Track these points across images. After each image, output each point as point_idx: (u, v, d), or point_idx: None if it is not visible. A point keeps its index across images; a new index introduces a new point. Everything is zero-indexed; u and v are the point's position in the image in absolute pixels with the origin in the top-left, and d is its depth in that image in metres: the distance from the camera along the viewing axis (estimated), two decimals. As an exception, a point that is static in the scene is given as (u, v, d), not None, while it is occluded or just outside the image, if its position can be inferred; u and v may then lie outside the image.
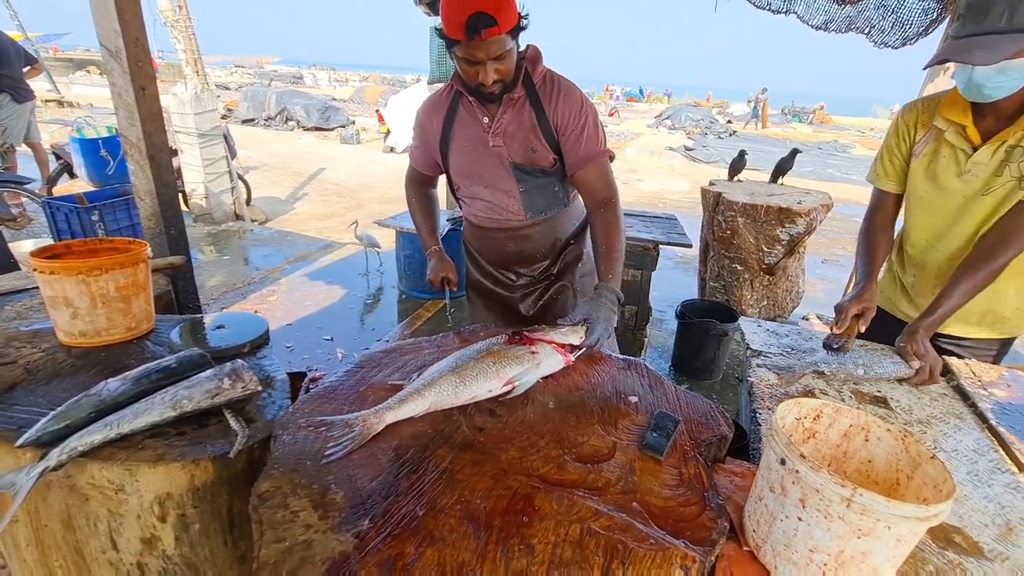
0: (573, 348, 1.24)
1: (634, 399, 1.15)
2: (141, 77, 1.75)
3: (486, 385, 1.08)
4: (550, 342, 1.21)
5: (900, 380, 1.39)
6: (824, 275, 5.41)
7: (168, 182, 1.92)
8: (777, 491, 0.77)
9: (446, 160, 1.60)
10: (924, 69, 1.38)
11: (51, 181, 4.97)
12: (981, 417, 1.27)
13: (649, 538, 0.80)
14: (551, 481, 0.91)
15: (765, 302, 3.76)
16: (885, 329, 1.55)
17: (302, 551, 0.75)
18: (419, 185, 1.75)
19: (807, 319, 4.04)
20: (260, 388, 1.09)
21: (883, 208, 1.63)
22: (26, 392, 1.10)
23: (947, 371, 1.46)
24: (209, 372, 1.07)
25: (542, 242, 1.66)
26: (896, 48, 3.04)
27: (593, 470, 0.94)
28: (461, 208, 1.74)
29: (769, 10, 3.20)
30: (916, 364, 1.36)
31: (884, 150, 1.59)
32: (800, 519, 0.74)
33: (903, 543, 0.70)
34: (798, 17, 3.10)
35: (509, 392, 1.11)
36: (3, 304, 1.57)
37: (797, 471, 0.72)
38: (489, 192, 1.59)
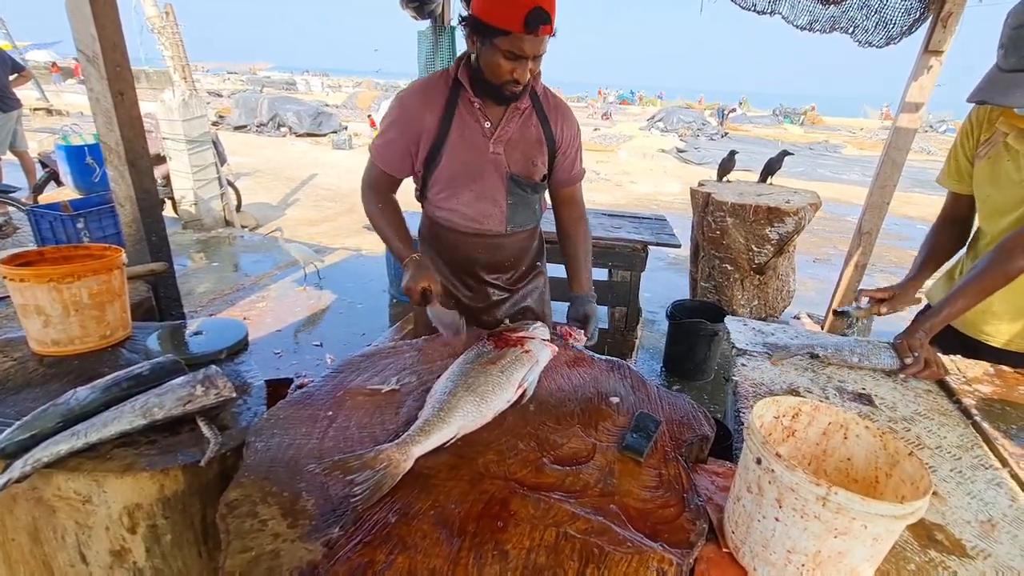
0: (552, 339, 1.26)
1: (616, 400, 1.14)
2: (119, 82, 1.73)
3: (504, 396, 1.05)
4: (531, 337, 1.20)
5: (894, 372, 1.38)
6: (815, 274, 5.43)
7: (148, 188, 1.90)
8: (754, 491, 0.76)
9: (432, 161, 1.45)
10: (967, 101, 1.32)
11: (37, 189, 4.92)
12: (965, 413, 1.26)
13: (626, 541, 0.78)
14: (528, 484, 0.89)
15: (756, 301, 3.76)
16: (955, 345, 1.51)
17: (269, 561, 0.73)
18: (383, 191, 1.52)
19: (799, 318, 4.04)
20: (235, 395, 1.07)
21: (949, 208, 1.61)
22: (-6, 402, 1.08)
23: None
24: (181, 379, 1.05)
25: (511, 252, 1.65)
26: (880, 47, 3.05)
27: (572, 473, 0.92)
28: (427, 210, 1.63)
29: (754, 11, 3.21)
30: (910, 359, 1.37)
31: (952, 149, 1.55)
32: (777, 519, 0.73)
33: (880, 542, 0.69)
34: (783, 18, 3.11)
35: (522, 397, 1.10)
36: (-22, 313, 1.54)
37: (773, 470, 0.71)
38: (473, 198, 1.50)
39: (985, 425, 1.20)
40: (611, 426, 1.06)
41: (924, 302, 1.65)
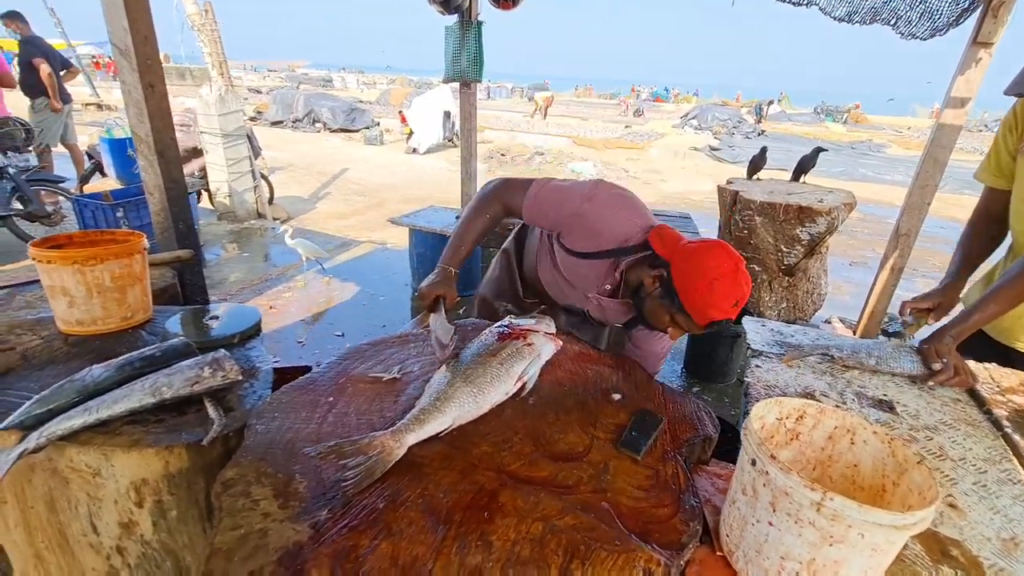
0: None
1: (617, 397, 1.12)
2: (150, 75, 1.79)
3: (502, 388, 1.05)
4: (535, 330, 1.19)
5: (916, 377, 1.33)
6: (851, 278, 5.22)
7: (177, 178, 1.97)
8: (749, 493, 0.73)
9: (557, 244, 1.46)
10: (1004, 94, 1.26)
11: (83, 180, 5.18)
12: (996, 425, 1.19)
13: (614, 539, 0.76)
14: (520, 477, 0.88)
15: (784, 304, 3.64)
16: (990, 354, 1.45)
17: (257, 539, 0.74)
18: (500, 213, 1.45)
19: (830, 322, 3.89)
20: (241, 378, 1.10)
21: (985, 204, 1.56)
22: (20, 377, 1.13)
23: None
24: (191, 361, 1.08)
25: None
26: (925, 39, 2.90)
27: (565, 468, 0.91)
28: (540, 242, 1.62)
29: (790, 2, 3.10)
30: (938, 366, 1.30)
31: (993, 144, 1.49)
32: (771, 524, 0.70)
33: (880, 553, 0.65)
34: (819, 8, 2.99)
35: (522, 390, 1.09)
36: (16, 293, 1.63)
37: (767, 472, 0.68)
38: (552, 281, 1.56)
39: (1016, 437, 1.13)
40: (611, 423, 1.04)
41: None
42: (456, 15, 3.74)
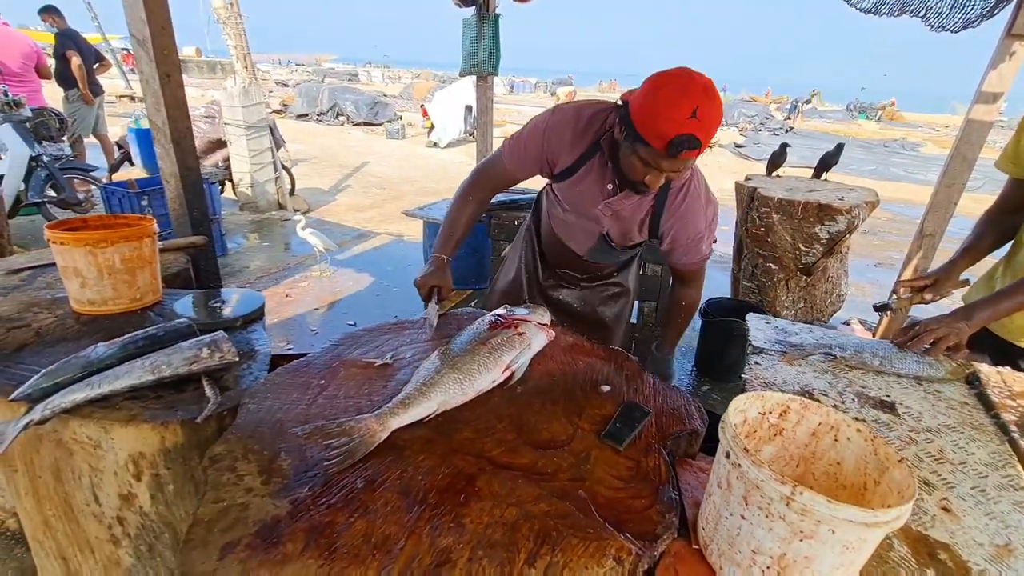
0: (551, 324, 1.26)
1: (606, 388, 1.11)
2: (166, 65, 1.84)
3: (488, 377, 1.05)
4: (527, 320, 1.19)
5: (920, 379, 1.30)
6: (876, 279, 5.07)
7: (192, 166, 2.02)
8: (723, 487, 0.72)
9: (558, 179, 1.48)
10: None
11: (112, 169, 5.36)
12: (1003, 429, 1.15)
13: (586, 527, 0.77)
14: (500, 464, 0.89)
15: (802, 304, 3.56)
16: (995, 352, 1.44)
17: (237, 512, 0.76)
18: (486, 188, 1.50)
19: (849, 324, 3.80)
20: (237, 359, 1.13)
21: (1004, 193, 1.53)
22: (33, 353, 1.18)
23: (975, 379, 1.33)
24: (190, 341, 1.12)
25: (586, 268, 1.79)
26: (956, 32, 2.79)
27: (545, 456, 0.91)
28: (549, 192, 1.66)
29: (814, -6, 3.02)
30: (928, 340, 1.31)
31: (1016, 130, 1.46)
32: (743, 517, 0.69)
33: (852, 551, 0.64)
34: (845, 0, 2.90)
35: (510, 379, 1.10)
36: (38, 275, 1.69)
37: (740, 465, 0.67)
38: (572, 218, 1.58)
39: (1023, 443, 1.09)
40: (597, 414, 1.04)
41: (966, 287, 1.56)
42: (473, 8, 3.74)
